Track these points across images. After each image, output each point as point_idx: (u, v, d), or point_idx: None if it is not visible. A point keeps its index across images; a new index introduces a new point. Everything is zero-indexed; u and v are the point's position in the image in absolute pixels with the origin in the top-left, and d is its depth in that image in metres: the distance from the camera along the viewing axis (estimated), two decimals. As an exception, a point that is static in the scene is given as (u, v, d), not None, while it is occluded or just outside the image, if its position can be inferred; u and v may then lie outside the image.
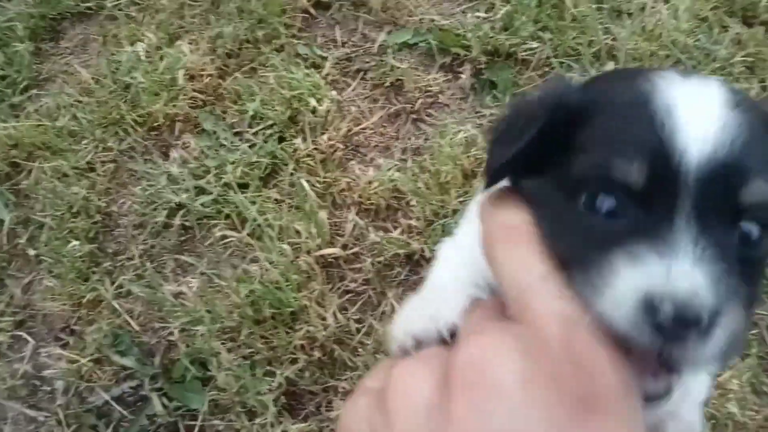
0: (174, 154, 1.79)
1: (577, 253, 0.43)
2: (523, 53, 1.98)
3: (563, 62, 1.93)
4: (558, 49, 1.97)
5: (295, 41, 2.10)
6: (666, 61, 1.90)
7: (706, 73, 1.89)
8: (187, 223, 1.68)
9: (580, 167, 0.46)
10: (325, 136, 1.83)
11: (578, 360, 0.37)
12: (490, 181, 0.51)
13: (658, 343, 0.39)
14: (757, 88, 1.87)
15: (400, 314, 0.56)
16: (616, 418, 0.37)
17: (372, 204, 1.69)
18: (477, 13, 2.12)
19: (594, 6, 2.05)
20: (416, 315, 0.53)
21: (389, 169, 1.76)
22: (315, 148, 1.82)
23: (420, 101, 1.94)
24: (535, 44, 1.97)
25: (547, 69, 1.96)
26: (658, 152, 0.43)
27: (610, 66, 1.90)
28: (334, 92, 1.94)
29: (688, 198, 0.42)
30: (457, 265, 0.59)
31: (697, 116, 0.44)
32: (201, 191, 1.73)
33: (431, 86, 1.97)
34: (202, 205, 1.69)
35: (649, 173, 0.42)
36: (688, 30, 1.97)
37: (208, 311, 1.49)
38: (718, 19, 2.05)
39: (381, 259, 1.59)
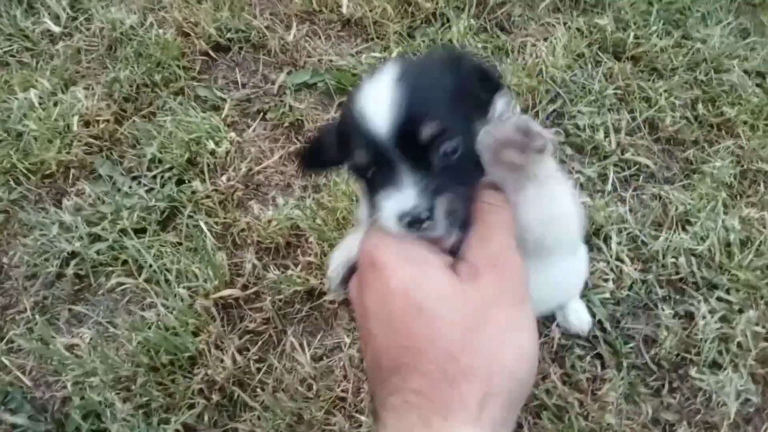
0: (67, 201, 1.76)
1: (371, 200, 0.73)
2: (416, 91, 2.08)
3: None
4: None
5: (195, 83, 2.12)
6: (546, 96, 2.05)
7: (584, 104, 2.05)
8: (81, 272, 1.65)
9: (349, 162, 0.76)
10: (224, 177, 1.86)
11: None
12: (303, 171, 0.96)
13: (417, 232, 0.67)
14: (627, 118, 2.04)
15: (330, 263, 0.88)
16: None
17: (272, 243, 1.72)
18: (372, 54, 2.21)
19: (480, 45, 2.19)
20: (337, 255, 0.86)
21: (288, 207, 1.80)
22: (214, 190, 1.84)
23: (319, 139, 2.00)
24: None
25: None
26: (367, 139, 0.68)
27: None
28: (233, 133, 1.97)
29: (398, 155, 0.68)
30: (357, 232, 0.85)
31: (375, 104, 0.68)
32: (96, 238, 1.71)
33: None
34: (97, 252, 1.67)
35: (370, 153, 0.69)
36: (565, 66, 2.14)
37: (102, 362, 1.47)
38: (593, 54, 2.23)
39: (281, 297, 1.62)
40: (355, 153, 0.71)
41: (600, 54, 2.23)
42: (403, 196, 0.67)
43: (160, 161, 1.88)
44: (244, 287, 1.63)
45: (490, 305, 0.61)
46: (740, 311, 1.63)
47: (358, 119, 0.69)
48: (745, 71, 2.20)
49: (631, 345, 1.61)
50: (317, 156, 0.84)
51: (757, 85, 2.18)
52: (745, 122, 2.05)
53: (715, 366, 1.56)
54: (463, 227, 0.69)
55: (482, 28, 2.30)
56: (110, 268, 1.66)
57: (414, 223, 0.66)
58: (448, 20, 2.30)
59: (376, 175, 0.71)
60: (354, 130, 0.70)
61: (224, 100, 2.08)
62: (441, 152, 0.68)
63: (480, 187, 0.71)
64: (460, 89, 0.73)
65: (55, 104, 1.99)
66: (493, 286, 0.63)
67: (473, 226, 0.69)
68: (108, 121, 1.98)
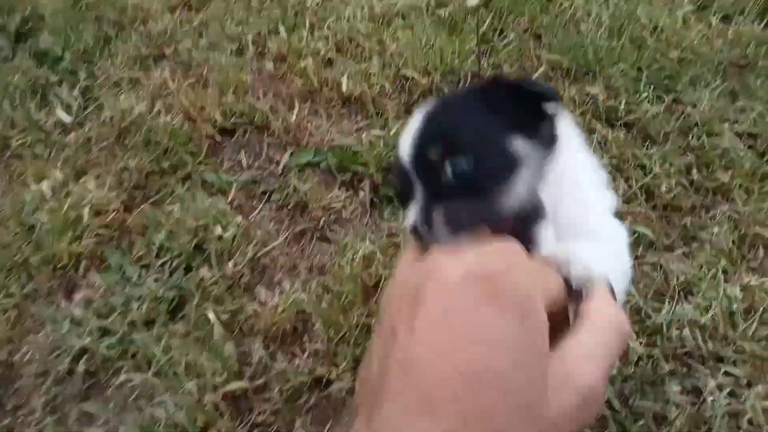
0: (77, 295, 1.81)
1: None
2: (416, 167, 2.14)
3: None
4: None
5: (202, 168, 2.19)
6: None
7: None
8: (91, 368, 1.68)
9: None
10: (230, 263, 1.90)
11: None
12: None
13: (422, 239, 0.70)
14: (624, 186, 2.08)
15: None
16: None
17: (278, 329, 1.75)
18: (373, 131, 2.28)
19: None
20: None
21: (294, 291, 1.83)
22: (222, 276, 1.87)
23: (323, 219, 2.05)
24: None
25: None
26: (398, 167, 0.75)
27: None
28: (239, 217, 2.02)
29: (414, 176, 0.72)
30: None
31: (404, 134, 0.75)
32: (105, 332, 1.74)
33: (333, 203, 2.09)
34: (107, 347, 1.69)
35: (399, 179, 0.75)
36: (560, 137, 2.19)
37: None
38: (587, 123, 2.29)
39: (289, 386, 1.63)
40: (394, 179, 0.80)
41: (594, 122, 2.29)
42: (412, 211, 0.73)
43: (168, 249, 1.92)
44: (252, 378, 1.64)
45: None
46: (748, 385, 1.62)
47: (397, 153, 0.76)
48: (737, 134, 2.25)
49: (641, 423, 1.60)
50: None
51: (749, 147, 2.22)
52: (740, 186, 2.09)
53: (727, 444, 1.55)
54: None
55: (478, 101, 2.37)
56: (120, 363, 1.69)
57: (415, 232, 0.71)
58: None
59: (404, 194, 0.76)
60: (396, 162, 0.77)
61: (230, 183, 2.14)
62: (450, 169, 0.70)
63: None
64: (488, 110, 0.74)
65: (67, 195, 2.06)
66: None
67: None
68: (118, 210, 2.04)
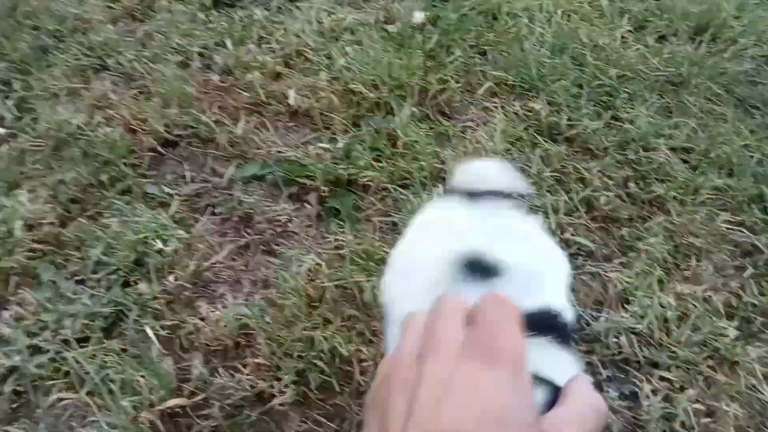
0: (7, 312, 1.72)
1: None
2: (363, 180, 2.15)
3: (396, 188, 2.11)
4: (393, 175, 2.15)
5: (143, 181, 2.14)
6: (486, 181, 2.13)
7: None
8: (20, 388, 1.60)
9: None
10: (171, 277, 1.85)
11: None
12: None
13: None
14: (565, 199, 2.14)
15: None
16: None
17: (220, 344, 1.71)
18: (320, 144, 2.28)
19: (422, 133, 2.28)
20: None
21: (237, 305, 1.79)
22: (162, 290, 1.83)
23: (269, 232, 2.03)
24: (371, 172, 2.14)
25: (384, 193, 2.13)
26: None
27: (439, 189, 2.10)
28: (181, 231, 1.98)
29: None
30: None
31: None
32: (36, 350, 1.66)
33: (280, 216, 2.07)
34: (36, 366, 1.62)
35: None
36: (504, 150, 2.24)
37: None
38: (530, 137, 2.35)
39: (229, 401, 1.59)
40: None
41: (536, 137, 2.35)
42: None
43: (105, 264, 1.86)
44: (192, 394, 1.60)
45: None
46: (681, 389, 1.68)
47: None
48: (672, 149, 2.35)
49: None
50: None
51: (683, 161, 2.32)
52: (674, 198, 2.17)
53: (662, 447, 1.59)
54: None
55: (425, 115, 2.41)
56: (51, 382, 1.61)
57: None
58: (392, 109, 2.40)
59: None
60: None
61: (172, 196, 2.10)
62: None
63: None
64: None
65: (-2, 209, 1.97)
66: None
67: None
68: (52, 224, 1.97)
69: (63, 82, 2.53)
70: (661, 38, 2.89)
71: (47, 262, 1.88)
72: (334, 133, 2.33)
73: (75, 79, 2.56)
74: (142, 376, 1.59)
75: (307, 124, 2.41)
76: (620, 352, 1.76)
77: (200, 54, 2.68)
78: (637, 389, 1.69)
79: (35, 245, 1.90)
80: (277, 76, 2.60)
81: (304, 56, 2.68)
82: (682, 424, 1.61)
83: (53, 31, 2.80)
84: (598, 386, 1.69)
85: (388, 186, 2.13)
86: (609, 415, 0.69)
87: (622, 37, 2.85)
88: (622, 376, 1.73)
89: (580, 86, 2.55)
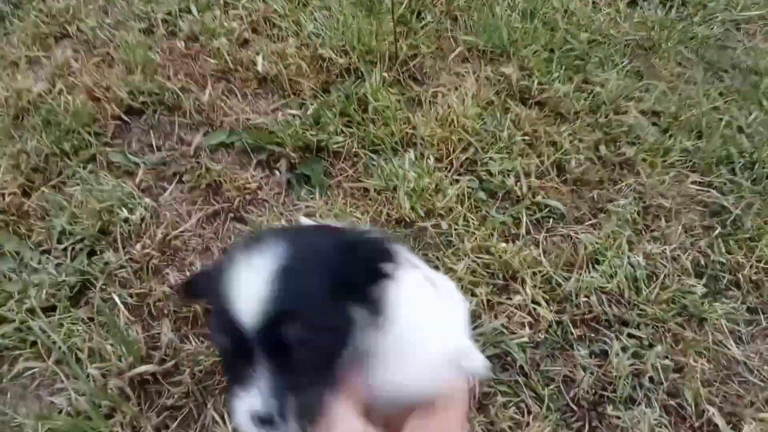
0: (-32, 284, 1.68)
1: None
2: (334, 146, 2.12)
3: (366, 154, 2.09)
4: (364, 141, 2.13)
5: (107, 150, 2.09)
6: (459, 145, 2.12)
7: (494, 151, 2.13)
8: (-16, 359, 1.57)
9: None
10: (138, 245, 1.82)
11: None
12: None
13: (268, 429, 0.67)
14: (536, 162, 2.14)
15: None
16: None
17: (189, 311, 1.69)
18: (289, 111, 2.24)
19: (394, 98, 2.25)
20: None
21: (207, 273, 1.77)
22: (129, 259, 1.79)
23: (238, 199, 1.99)
24: (341, 138, 2.11)
25: (356, 159, 2.10)
26: (231, 327, 0.66)
27: (410, 154, 2.08)
28: (148, 199, 1.94)
29: (258, 350, 0.66)
30: None
31: (245, 293, 0.65)
32: (2, 320, 1.62)
33: (249, 184, 2.03)
34: (2, 336, 1.59)
35: (231, 341, 0.68)
36: (475, 114, 2.23)
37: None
38: (501, 102, 2.34)
39: (200, 367, 1.58)
40: (217, 335, 0.70)
41: (508, 101, 2.34)
42: (255, 396, 0.66)
43: (70, 233, 1.82)
44: (162, 361, 1.58)
45: None
46: (650, 346, 1.71)
47: (225, 303, 0.66)
48: (642, 112, 2.36)
49: (552, 387, 1.65)
50: (195, 294, 0.84)
51: (653, 124, 2.33)
52: (644, 160, 2.19)
53: (631, 401, 1.62)
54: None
55: (396, 80, 2.38)
56: (17, 352, 1.58)
57: (265, 422, 0.66)
58: (362, 74, 2.36)
59: (234, 361, 0.69)
60: (220, 311, 0.67)
61: (138, 164, 2.05)
62: (302, 351, 0.67)
63: (334, 392, 0.72)
64: (340, 281, 0.70)
65: (-44, 179, 1.91)
66: None
67: None
68: (15, 194, 1.91)
69: (22, 50, 2.44)
70: (632, 3, 2.89)
71: (10, 232, 1.83)
72: (303, 100, 2.29)
73: (35, 46, 2.47)
74: (111, 344, 1.56)
75: (276, 91, 2.36)
76: (590, 311, 1.78)
77: (164, 21, 2.61)
78: (607, 347, 1.71)
79: (-4, 216, 1.84)
80: (245, 42, 2.54)
81: (272, 22, 2.62)
82: (650, 380, 1.65)
83: (11, -3, 2.69)
84: (570, 345, 1.71)
85: (359, 152, 2.11)
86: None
87: (593, 1, 2.84)
88: (593, 335, 1.75)
89: (551, 51, 2.54)
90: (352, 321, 0.72)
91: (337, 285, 0.70)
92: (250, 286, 0.65)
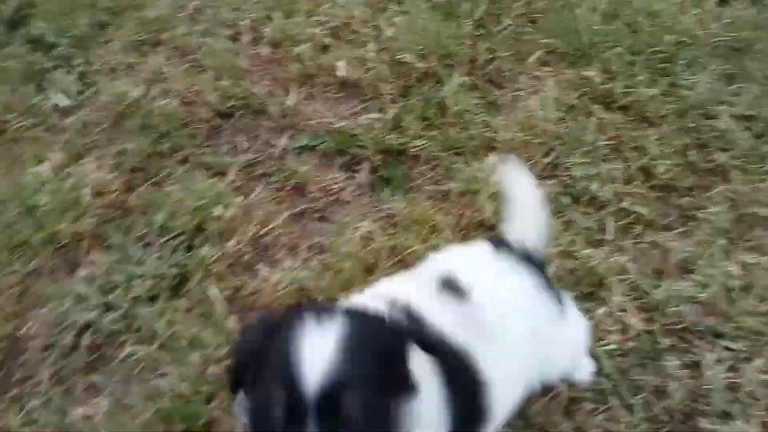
0: (80, 272, 1.81)
1: None
2: (413, 150, 2.15)
3: (446, 157, 2.11)
4: (444, 145, 2.15)
5: (200, 151, 2.20)
6: (540, 149, 2.11)
7: (577, 156, 2.11)
8: (96, 342, 1.69)
9: (256, 399, 0.78)
10: (231, 241, 1.90)
11: None
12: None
13: None
14: (621, 167, 2.10)
15: None
16: None
17: (280, 304, 1.76)
18: (369, 115, 2.29)
19: (473, 102, 2.27)
20: None
21: (295, 269, 1.84)
22: (223, 254, 1.88)
23: (323, 200, 2.06)
24: (420, 142, 2.14)
25: (434, 162, 2.13)
26: (290, 395, 0.70)
27: (490, 158, 2.09)
28: (239, 198, 2.03)
29: (314, 416, 0.69)
30: None
31: (310, 363, 0.70)
32: (109, 307, 1.75)
33: (332, 185, 2.10)
34: (110, 321, 1.70)
35: (286, 410, 0.70)
36: (557, 119, 2.21)
37: (118, 433, 1.49)
38: (584, 106, 2.30)
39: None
40: (271, 401, 0.72)
41: (590, 105, 2.31)
42: None
43: (169, 228, 1.93)
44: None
45: None
46: (747, 359, 1.64)
47: (288, 371, 0.71)
48: (733, 116, 2.27)
49: (640, 397, 1.61)
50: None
51: (746, 129, 2.24)
52: (736, 167, 2.10)
53: (726, 416, 1.56)
54: None
55: (474, 84, 2.39)
56: (124, 337, 1.70)
57: None
58: (440, 78, 2.39)
59: (285, 424, 0.71)
60: (279, 378, 0.72)
61: (229, 164, 2.15)
62: (355, 421, 0.71)
63: None
64: (386, 368, 0.78)
65: (66, 177, 2.07)
66: None
67: None
68: (118, 190, 2.04)
69: (121, 56, 2.60)
70: (722, 2, 2.78)
71: (115, 227, 1.96)
72: (383, 104, 2.33)
73: (132, 53, 2.62)
74: (209, 334, 1.65)
75: (356, 95, 2.42)
76: (681, 321, 1.73)
77: (249, 28, 2.71)
78: (699, 359, 1.65)
79: (103, 211, 1.98)
80: (326, 48, 2.61)
81: (351, 28, 2.68)
82: (749, 395, 1.58)
83: (108, 8, 2.87)
84: (659, 355, 1.66)
85: (439, 155, 2.13)
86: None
87: (679, 2, 2.75)
88: (684, 345, 1.70)
89: (635, 53, 2.48)
90: (402, 405, 0.79)
91: (385, 373, 0.78)
92: (317, 361, 0.71)
